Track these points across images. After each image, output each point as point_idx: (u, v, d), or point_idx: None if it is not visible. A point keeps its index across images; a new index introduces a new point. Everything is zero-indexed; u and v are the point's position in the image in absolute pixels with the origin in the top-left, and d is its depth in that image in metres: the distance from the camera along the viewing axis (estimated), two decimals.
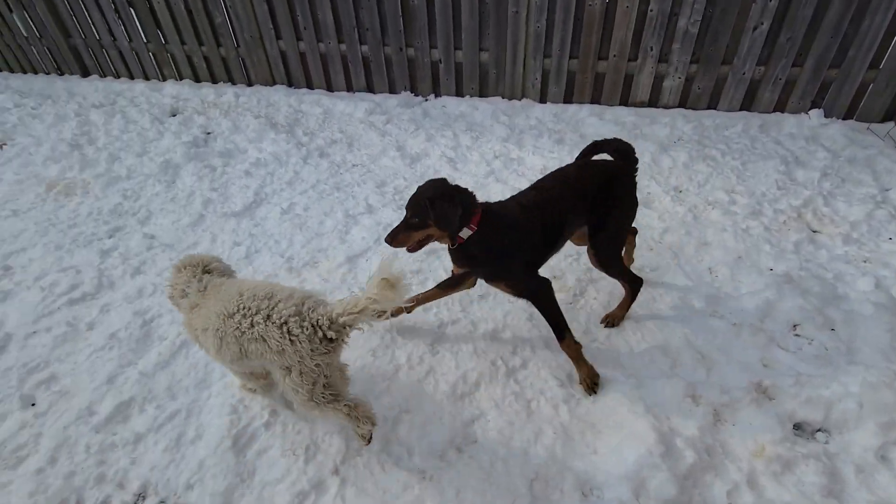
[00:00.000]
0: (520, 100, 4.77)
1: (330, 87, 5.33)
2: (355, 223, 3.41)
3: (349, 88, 5.28)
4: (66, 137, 4.63)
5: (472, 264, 2.19)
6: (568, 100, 4.66)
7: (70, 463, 2.06)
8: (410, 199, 2.08)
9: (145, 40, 5.58)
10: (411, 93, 5.09)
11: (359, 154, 4.27)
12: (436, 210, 1.96)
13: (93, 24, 5.61)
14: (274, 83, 5.48)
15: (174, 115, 5.07)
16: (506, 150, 4.13)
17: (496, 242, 2.08)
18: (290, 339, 1.68)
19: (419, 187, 2.11)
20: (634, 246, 2.78)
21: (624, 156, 2.41)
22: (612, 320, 2.56)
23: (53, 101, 5.49)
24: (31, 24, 5.86)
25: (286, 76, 5.40)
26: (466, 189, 2.08)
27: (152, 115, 4.99)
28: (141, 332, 2.65)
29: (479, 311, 2.68)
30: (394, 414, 2.19)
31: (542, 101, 4.73)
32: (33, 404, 2.30)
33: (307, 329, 1.69)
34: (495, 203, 2.20)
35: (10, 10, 5.91)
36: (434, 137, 4.37)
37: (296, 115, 4.95)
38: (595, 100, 4.59)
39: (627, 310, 2.55)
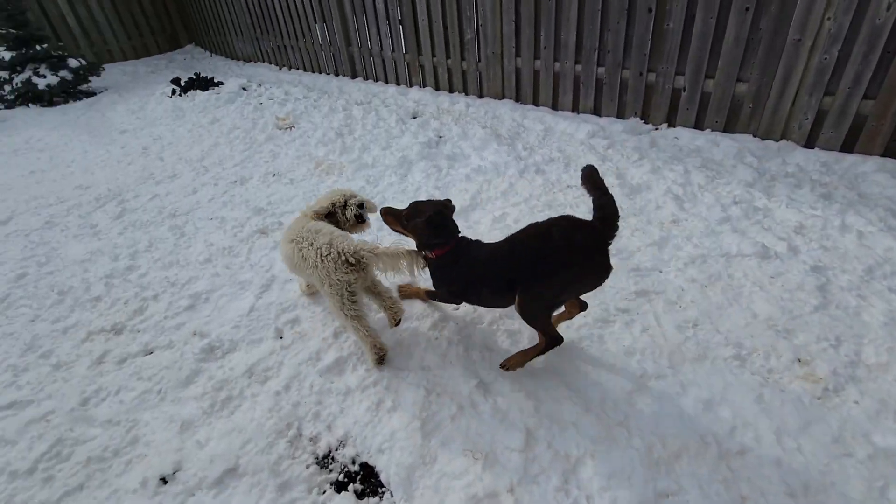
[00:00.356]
0: (777, 141, 4.08)
1: (555, 106, 5.38)
2: None
3: (574, 108, 5.25)
4: (334, 126, 5.66)
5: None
6: (847, 148, 3.80)
7: (298, 395, 2.47)
8: (418, 204, 2.48)
9: (404, 51, 6.48)
10: (641, 119, 4.80)
11: (575, 175, 4.19)
12: (417, 226, 2.40)
13: (369, 36, 6.76)
14: (503, 97, 5.79)
15: (414, 118, 5.76)
16: (749, 196, 3.57)
17: (443, 269, 2.44)
18: (320, 259, 2.36)
19: (430, 202, 2.50)
20: (569, 318, 2.56)
21: (604, 221, 2.11)
22: (508, 364, 2.44)
23: (329, 96, 6.79)
24: (327, 34, 7.35)
25: (515, 91, 5.65)
26: (456, 231, 2.43)
27: (398, 116, 5.74)
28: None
29: (691, 373, 2.36)
30: (578, 453, 2.06)
31: (809, 145, 3.96)
32: (281, 337, 2.83)
33: (333, 253, 2.35)
34: (479, 242, 2.43)
35: (315, 22, 7.50)
36: (660, 170, 4.03)
37: (518, 129, 5.14)
38: (890, 153, 3.64)
39: (531, 358, 2.41)
